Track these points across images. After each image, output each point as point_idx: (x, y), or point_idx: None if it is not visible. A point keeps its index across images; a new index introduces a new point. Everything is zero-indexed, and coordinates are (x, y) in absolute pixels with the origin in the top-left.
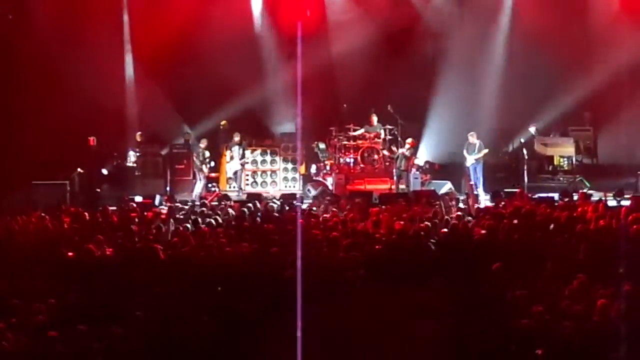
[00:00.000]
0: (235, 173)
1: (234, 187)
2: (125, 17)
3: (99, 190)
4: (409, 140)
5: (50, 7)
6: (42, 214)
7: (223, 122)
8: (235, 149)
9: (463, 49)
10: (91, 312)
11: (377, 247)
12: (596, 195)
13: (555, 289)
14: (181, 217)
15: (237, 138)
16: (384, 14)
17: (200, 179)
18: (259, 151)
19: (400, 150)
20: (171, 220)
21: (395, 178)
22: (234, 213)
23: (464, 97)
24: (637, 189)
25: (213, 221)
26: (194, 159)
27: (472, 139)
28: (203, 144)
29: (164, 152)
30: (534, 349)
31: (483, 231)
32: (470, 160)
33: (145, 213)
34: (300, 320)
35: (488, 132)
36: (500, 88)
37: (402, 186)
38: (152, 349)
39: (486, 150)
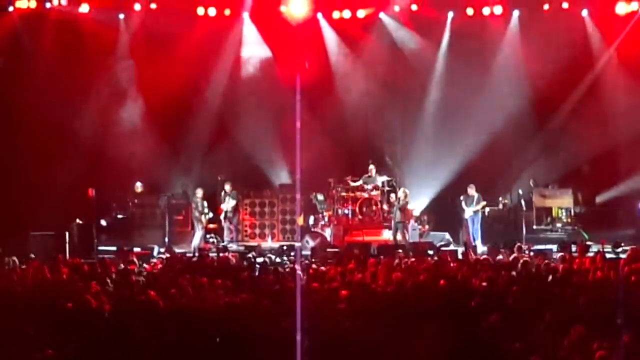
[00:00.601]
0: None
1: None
2: (126, 73)
3: (97, 241)
4: (402, 191)
5: (49, 57)
6: (41, 265)
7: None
8: (227, 199)
9: (462, 99)
10: None
11: (376, 300)
12: (594, 247)
13: (554, 340)
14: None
15: (227, 187)
16: (383, 66)
17: (198, 230)
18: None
19: (392, 197)
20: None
21: (393, 230)
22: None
23: (463, 148)
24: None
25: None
26: (193, 209)
27: (471, 191)
28: (199, 193)
29: (162, 203)
30: None
31: (484, 283)
32: (468, 212)
33: (146, 265)
34: None
35: (486, 184)
36: (499, 139)
37: (399, 237)
38: None
39: (484, 203)
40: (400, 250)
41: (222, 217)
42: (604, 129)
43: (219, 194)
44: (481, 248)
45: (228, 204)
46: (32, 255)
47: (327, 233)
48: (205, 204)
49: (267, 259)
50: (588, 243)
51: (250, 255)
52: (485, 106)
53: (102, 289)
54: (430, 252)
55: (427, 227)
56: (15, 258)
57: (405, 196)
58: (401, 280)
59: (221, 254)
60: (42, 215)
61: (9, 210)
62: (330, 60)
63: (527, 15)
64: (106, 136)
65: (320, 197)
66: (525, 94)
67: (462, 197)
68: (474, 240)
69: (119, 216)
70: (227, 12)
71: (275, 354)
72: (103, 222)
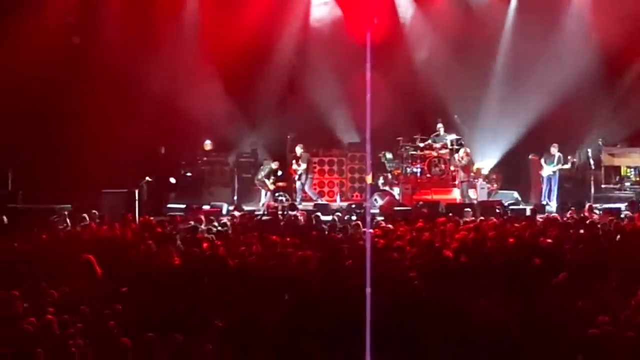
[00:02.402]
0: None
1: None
2: (195, 29)
3: (167, 198)
4: (463, 150)
5: (119, 17)
6: (112, 222)
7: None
8: (299, 162)
9: (532, 57)
10: (157, 319)
11: (444, 259)
12: None
13: (621, 299)
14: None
15: (299, 150)
16: (452, 25)
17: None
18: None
19: (463, 160)
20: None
21: (459, 189)
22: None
23: (532, 107)
24: None
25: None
26: (259, 171)
27: (554, 150)
28: (274, 165)
29: (231, 160)
30: (600, 359)
31: (549, 240)
32: (547, 170)
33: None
34: (369, 327)
35: (555, 143)
36: (568, 98)
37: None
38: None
39: (567, 166)
40: (469, 209)
41: (296, 177)
42: None
43: (289, 153)
44: (554, 207)
45: (300, 167)
46: (103, 213)
47: (396, 192)
48: (279, 173)
49: (335, 217)
50: None
51: (318, 213)
52: (554, 64)
53: (172, 246)
54: (500, 211)
55: (495, 185)
56: (86, 215)
57: (467, 155)
58: (469, 239)
59: (290, 212)
60: (113, 174)
61: (81, 168)
62: (400, 18)
63: None
64: (176, 94)
65: (389, 155)
66: (594, 52)
67: (543, 155)
68: (550, 199)
69: (188, 174)
70: None
71: (343, 312)
72: (172, 180)
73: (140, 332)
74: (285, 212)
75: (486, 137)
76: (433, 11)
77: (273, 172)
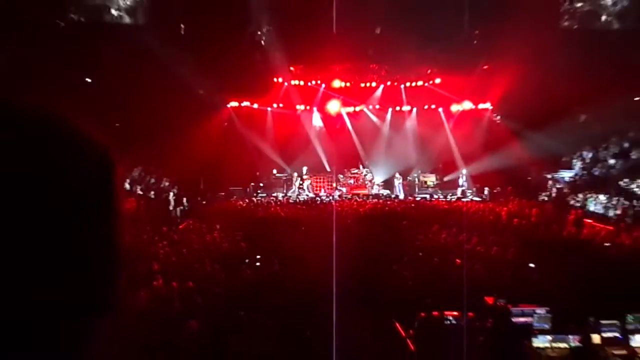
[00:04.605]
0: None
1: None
2: (271, 127)
3: (257, 192)
4: (370, 174)
5: (242, 126)
6: (237, 201)
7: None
8: (308, 178)
9: (395, 140)
10: (255, 236)
11: (362, 215)
12: (449, 197)
13: (427, 230)
14: (290, 201)
15: (305, 171)
16: (367, 128)
17: (295, 187)
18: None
19: (368, 177)
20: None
21: (367, 189)
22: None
23: (398, 159)
24: (457, 194)
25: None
26: (294, 180)
27: (398, 175)
28: (296, 174)
29: (282, 177)
30: (419, 253)
31: (399, 208)
32: (397, 182)
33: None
34: (335, 238)
35: (404, 171)
36: (406, 155)
37: (371, 192)
38: (274, 253)
39: (402, 181)
40: (371, 196)
41: (305, 184)
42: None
43: (302, 174)
44: (402, 196)
45: (309, 180)
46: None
47: (344, 190)
48: (304, 181)
49: (320, 198)
50: (442, 195)
51: (315, 197)
52: (404, 142)
53: (259, 209)
54: (382, 198)
55: (381, 187)
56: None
57: (372, 176)
58: (370, 207)
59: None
60: (236, 180)
61: (225, 177)
62: (348, 126)
63: (419, 110)
64: (261, 152)
65: (341, 176)
66: (418, 139)
67: (396, 176)
68: (399, 193)
69: (266, 182)
70: (308, 107)
71: (324, 233)
72: (261, 184)
73: (249, 241)
74: (302, 197)
75: (378, 170)
76: (359, 123)
77: (301, 181)
